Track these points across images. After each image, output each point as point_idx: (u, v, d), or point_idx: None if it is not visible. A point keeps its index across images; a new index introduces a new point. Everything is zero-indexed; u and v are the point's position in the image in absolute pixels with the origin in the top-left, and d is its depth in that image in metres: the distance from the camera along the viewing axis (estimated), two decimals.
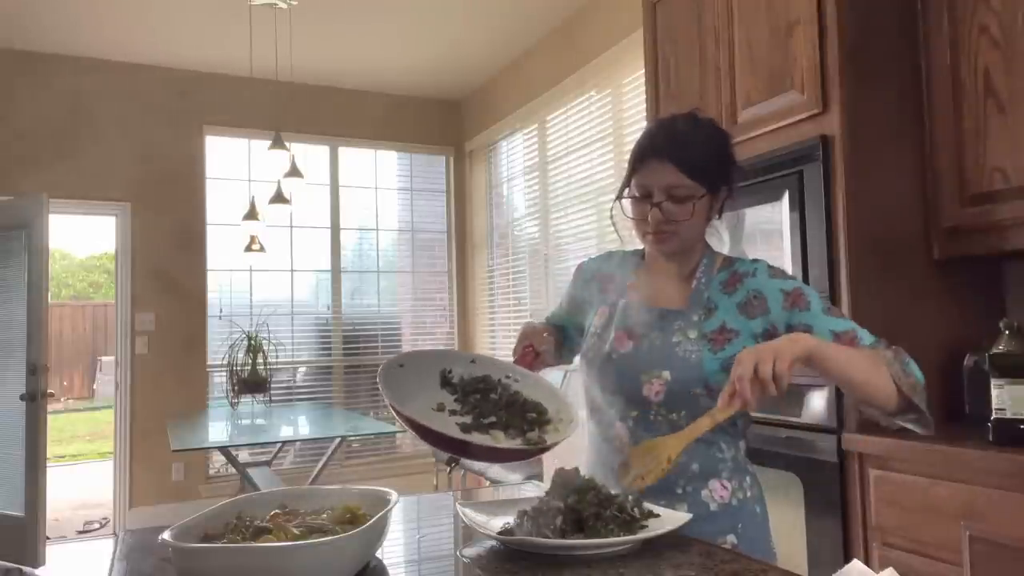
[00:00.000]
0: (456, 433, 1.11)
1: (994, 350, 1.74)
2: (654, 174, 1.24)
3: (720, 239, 1.38)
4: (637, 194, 1.27)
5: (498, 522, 1.09)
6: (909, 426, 1.21)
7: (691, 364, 1.22)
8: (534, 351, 1.35)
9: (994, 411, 1.72)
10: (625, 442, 1.27)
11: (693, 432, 1.10)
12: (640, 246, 1.39)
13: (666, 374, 1.23)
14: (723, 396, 1.07)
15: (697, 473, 1.24)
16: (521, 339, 1.37)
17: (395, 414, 1.10)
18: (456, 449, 1.10)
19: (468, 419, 1.18)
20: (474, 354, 1.35)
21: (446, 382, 1.25)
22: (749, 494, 1.27)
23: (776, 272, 1.28)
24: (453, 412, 1.20)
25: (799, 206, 2.09)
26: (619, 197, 1.31)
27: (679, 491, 1.23)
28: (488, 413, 1.18)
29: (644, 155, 1.26)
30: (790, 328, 1.22)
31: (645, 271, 1.38)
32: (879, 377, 1.14)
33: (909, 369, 1.16)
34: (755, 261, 1.31)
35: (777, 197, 2.16)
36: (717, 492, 1.24)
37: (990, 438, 1.71)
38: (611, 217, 1.32)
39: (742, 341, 1.24)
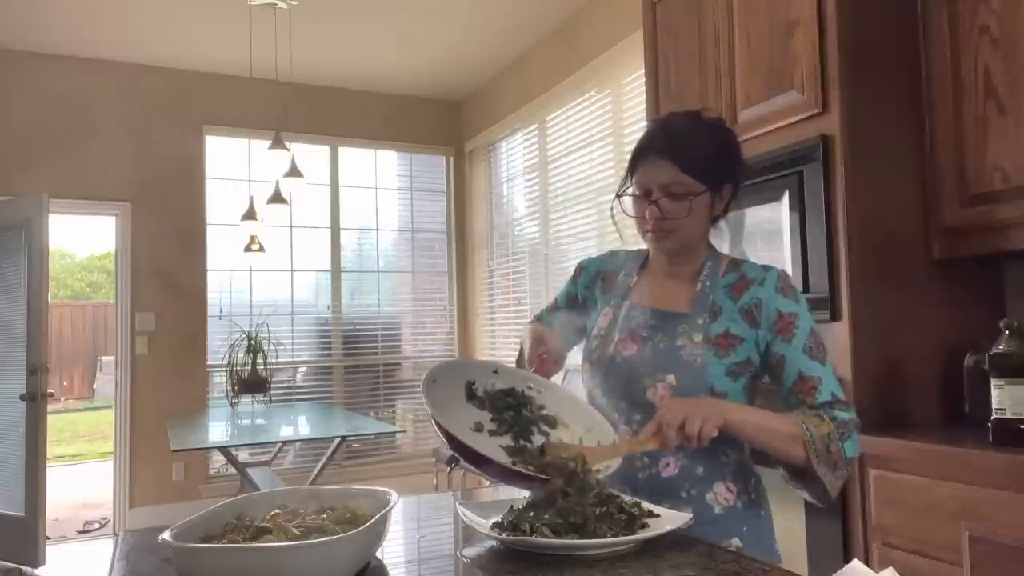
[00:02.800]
0: (507, 462, 1.13)
1: (994, 350, 1.74)
2: (652, 171, 1.25)
3: (722, 239, 1.37)
4: (637, 192, 1.28)
5: None
6: (806, 495, 1.24)
7: (696, 368, 1.21)
8: (552, 358, 1.32)
9: (994, 411, 1.72)
10: None
11: (613, 452, 1.15)
12: (643, 245, 1.39)
13: (671, 378, 1.22)
14: (647, 430, 1.12)
15: (702, 476, 1.23)
16: (535, 346, 1.33)
17: (441, 435, 1.11)
18: (506, 478, 1.11)
19: (508, 440, 1.19)
20: (496, 364, 1.33)
21: (471, 395, 1.26)
22: (753, 496, 1.27)
23: (785, 288, 1.25)
24: (492, 433, 1.21)
25: (799, 206, 2.09)
26: (619, 195, 1.31)
27: (683, 494, 1.23)
28: (526, 433, 1.21)
29: (643, 152, 1.27)
30: (767, 351, 1.23)
31: (649, 272, 1.38)
32: (787, 448, 1.15)
33: (837, 447, 1.15)
34: (767, 268, 1.28)
35: (777, 197, 2.16)
36: (722, 495, 1.23)
37: (990, 438, 1.71)
38: (612, 216, 1.32)
39: (746, 349, 1.23)
